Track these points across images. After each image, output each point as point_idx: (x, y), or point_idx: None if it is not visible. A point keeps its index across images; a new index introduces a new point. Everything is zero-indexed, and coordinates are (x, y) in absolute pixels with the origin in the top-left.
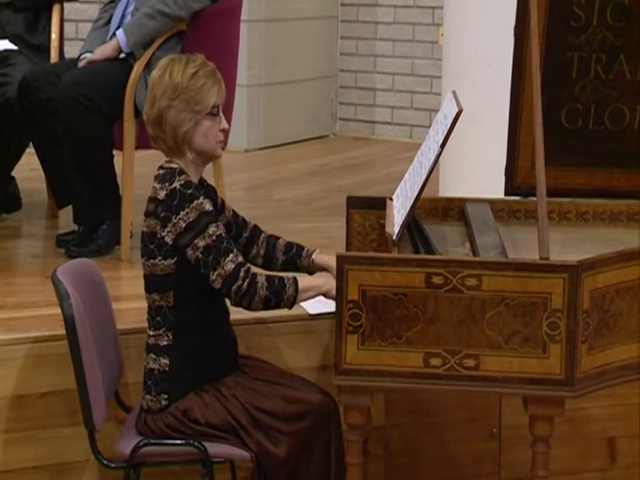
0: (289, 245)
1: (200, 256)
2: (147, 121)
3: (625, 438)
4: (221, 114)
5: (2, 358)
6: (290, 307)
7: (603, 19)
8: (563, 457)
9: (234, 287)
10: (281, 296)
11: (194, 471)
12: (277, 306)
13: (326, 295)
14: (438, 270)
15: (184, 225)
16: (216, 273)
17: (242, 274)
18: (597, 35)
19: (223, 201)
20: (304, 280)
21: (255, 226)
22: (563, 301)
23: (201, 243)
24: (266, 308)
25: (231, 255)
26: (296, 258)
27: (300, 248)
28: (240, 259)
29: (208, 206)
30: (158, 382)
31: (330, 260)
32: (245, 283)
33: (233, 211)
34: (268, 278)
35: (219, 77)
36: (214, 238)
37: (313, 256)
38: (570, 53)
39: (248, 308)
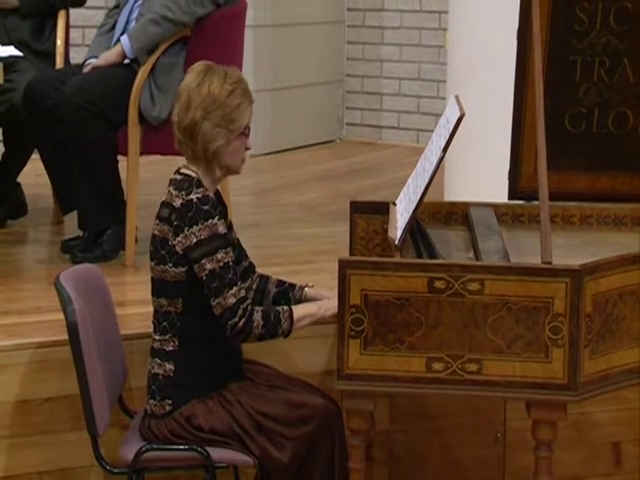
0: (281, 281)
1: (204, 278)
2: (177, 126)
3: (630, 443)
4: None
5: (6, 364)
6: (285, 337)
7: (606, 23)
8: (568, 462)
9: (230, 322)
10: (275, 331)
11: (198, 476)
12: (272, 339)
13: (323, 319)
14: (440, 275)
15: (195, 240)
16: (217, 301)
17: (240, 312)
18: (600, 39)
19: (231, 222)
20: (298, 309)
21: (252, 262)
22: (565, 305)
23: (208, 266)
24: (260, 341)
25: (234, 288)
26: (288, 291)
27: (291, 284)
28: (242, 294)
29: (222, 228)
30: (162, 387)
31: (322, 293)
32: (242, 322)
33: (238, 238)
34: (264, 315)
35: (252, 96)
36: (221, 265)
37: (305, 289)
38: (573, 57)
39: (241, 342)
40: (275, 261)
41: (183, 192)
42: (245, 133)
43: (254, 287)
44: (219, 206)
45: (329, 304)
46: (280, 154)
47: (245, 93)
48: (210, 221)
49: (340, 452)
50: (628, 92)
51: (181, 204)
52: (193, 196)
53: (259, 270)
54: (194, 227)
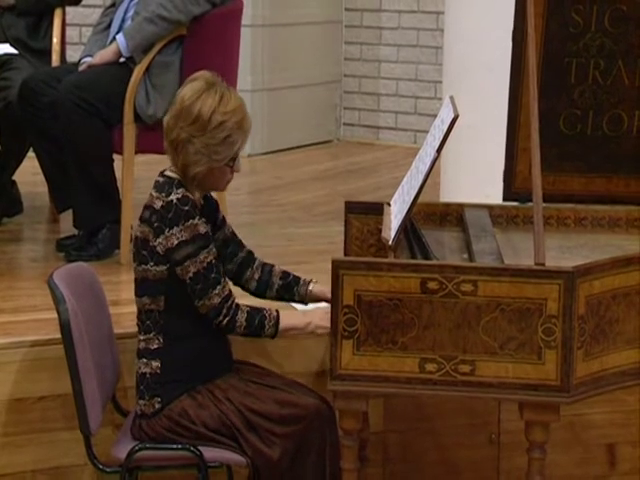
0: (285, 272)
1: (188, 281)
2: (165, 133)
3: (625, 444)
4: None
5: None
6: (272, 339)
7: (601, 25)
8: (563, 463)
9: (215, 320)
10: (258, 334)
11: (192, 475)
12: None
13: (311, 334)
14: (433, 275)
15: (176, 242)
16: (201, 302)
17: (225, 311)
18: (595, 41)
19: (224, 217)
20: (286, 319)
21: (250, 251)
22: (558, 307)
23: (191, 268)
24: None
25: (218, 288)
26: (293, 285)
27: (296, 277)
28: (226, 292)
29: (202, 228)
30: (150, 385)
31: (327, 291)
32: (225, 320)
33: (232, 231)
34: (249, 317)
35: (247, 126)
36: (205, 265)
37: (310, 287)
38: (568, 59)
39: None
40: (271, 261)
41: (163, 194)
42: (229, 165)
43: (256, 277)
44: (202, 206)
45: (321, 321)
46: (277, 154)
47: (238, 126)
48: (190, 222)
49: (332, 452)
50: (623, 94)
51: (161, 206)
52: (173, 197)
53: None
54: (174, 228)
